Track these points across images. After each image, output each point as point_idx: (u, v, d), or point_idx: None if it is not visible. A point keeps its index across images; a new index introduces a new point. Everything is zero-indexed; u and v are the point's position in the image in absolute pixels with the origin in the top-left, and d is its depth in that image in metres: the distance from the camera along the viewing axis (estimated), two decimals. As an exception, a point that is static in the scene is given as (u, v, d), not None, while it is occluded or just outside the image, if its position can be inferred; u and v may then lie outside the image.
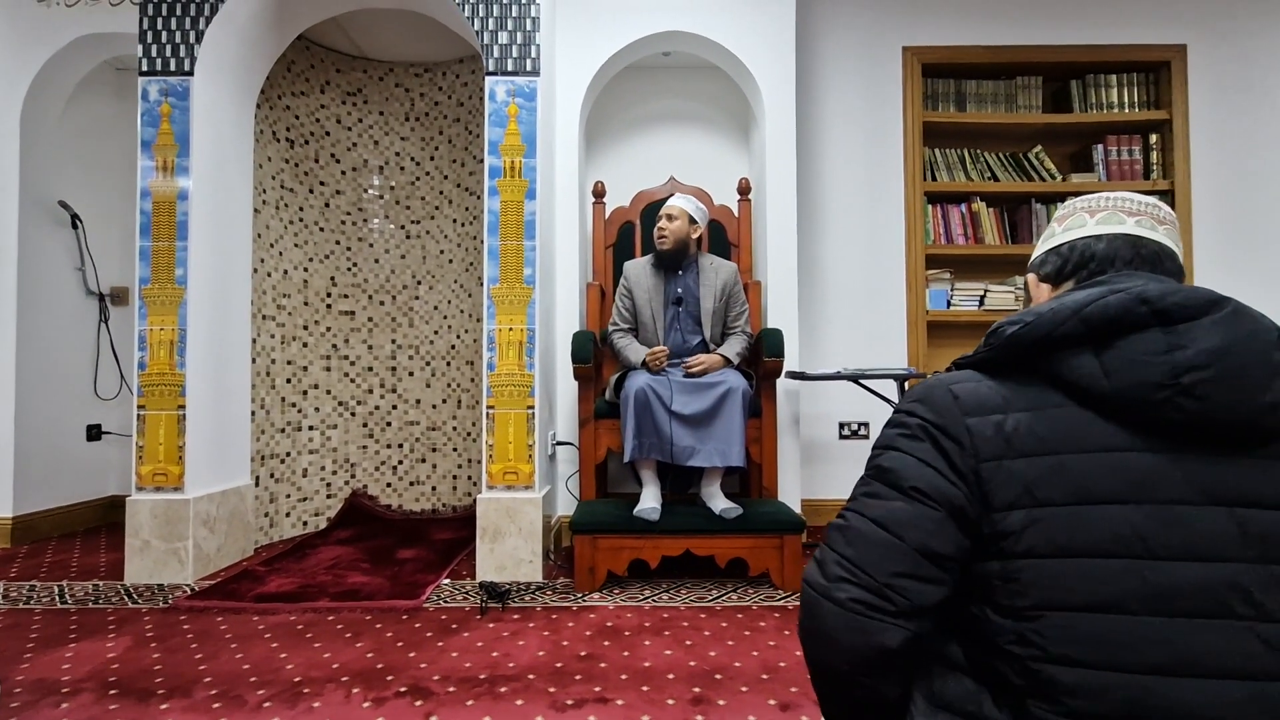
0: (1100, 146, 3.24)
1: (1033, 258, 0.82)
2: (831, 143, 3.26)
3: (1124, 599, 0.56)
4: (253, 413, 2.82)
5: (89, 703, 1.51)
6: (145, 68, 2.41)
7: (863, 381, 2.62)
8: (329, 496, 3.27)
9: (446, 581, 2.37)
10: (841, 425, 3.22)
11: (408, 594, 2.21)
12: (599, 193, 2.94)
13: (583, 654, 1.76)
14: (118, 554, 2.64)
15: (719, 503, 2.31)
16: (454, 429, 3.45)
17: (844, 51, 3.27)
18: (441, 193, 3.46)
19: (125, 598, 2.21)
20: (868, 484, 0.70)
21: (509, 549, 2.36)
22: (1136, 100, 3.26)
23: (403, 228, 3.44)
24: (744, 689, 1.56)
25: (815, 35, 3.25)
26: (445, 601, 2.17)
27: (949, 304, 3.23)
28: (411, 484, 3.43)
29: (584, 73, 2.85)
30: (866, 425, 3.21)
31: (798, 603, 2.09)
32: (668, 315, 2.49)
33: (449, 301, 3.46)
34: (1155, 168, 3.25)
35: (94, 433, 3.32)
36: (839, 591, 0.64)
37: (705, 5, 2.86)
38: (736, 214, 2.96)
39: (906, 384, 2.64)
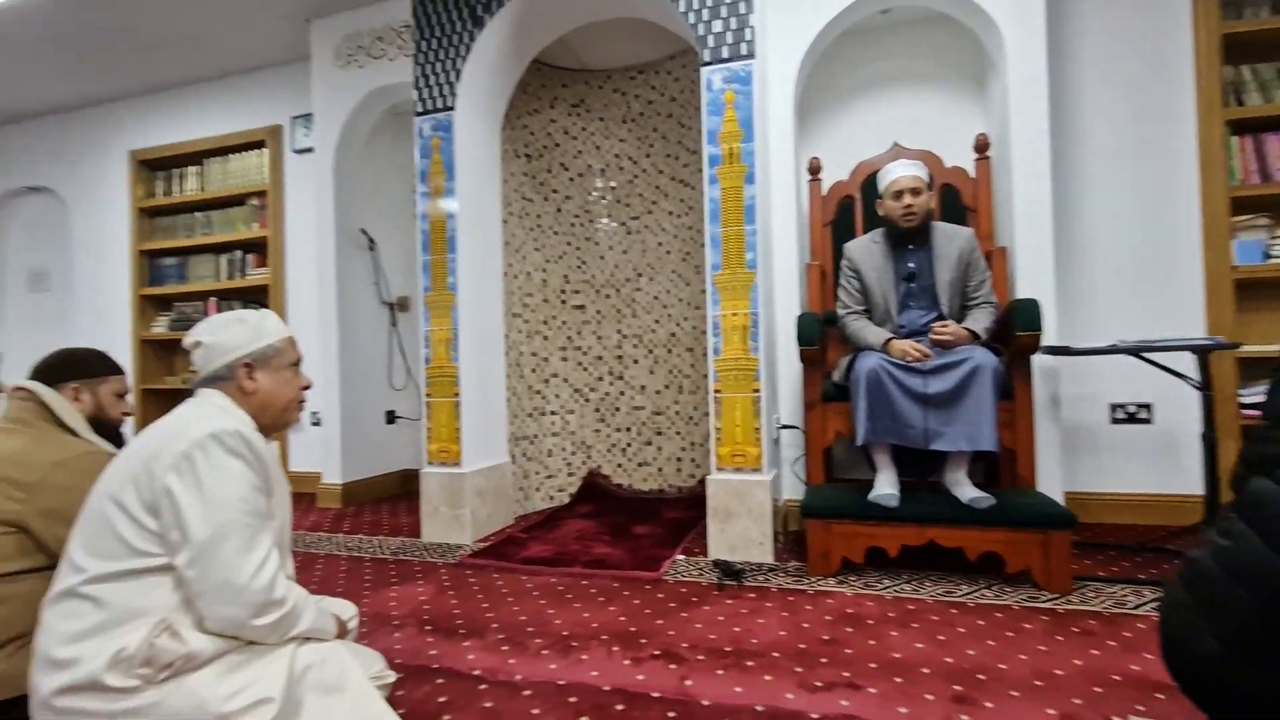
0: None
1: None
2: (1090, 78, 2.80)
3: None
4: (507, 399, 3.21)
5: (413, 634, 1.85)
6: (419, 109, 2.85)
7: (1148, 356, 2.22)
8: (569, 475, 3.62)
9: (681, 557, 2.49)
10: (1115, 407, 2.76)
11: (647, 566, 2.37)
12: (815, 169, 2.85)
13: (825, 638, 1.74)
14: (414, 517, 3.18)
15: (966, 490, 2.13)
16: (676, 413, 3.61)
17: (1107, -32, 2.77)
18: (658, 188, 3.61)
19: (424, 553, 2.67)
20: (1226, 519, 0.60)
21: (739, 530, 2.41)
22: None
23: (623, 224, 3.66)
24: (1014, 693, 1.43)
25: (1068, -44, 2.80)
26: (682, 575, 2.29)
27: (1266, 256, 2.60)
28: (640, 465, 3.66)
29: (796, 47, 2.77)
30: (1148, 408, 2.72)
31: (1067, 606, 1.86)
32: (900, 292, 2.34)
33: (668, 291, 3.61)
34: None
35: (390, 417, 4.04)
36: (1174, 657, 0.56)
37: (930, -50, 2.61)
38: (973, 174, 2.67)
39: (1214, 359, 2.19)
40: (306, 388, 1.35)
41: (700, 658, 1.66)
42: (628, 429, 3.67)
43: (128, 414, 1.78)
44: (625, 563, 2.43)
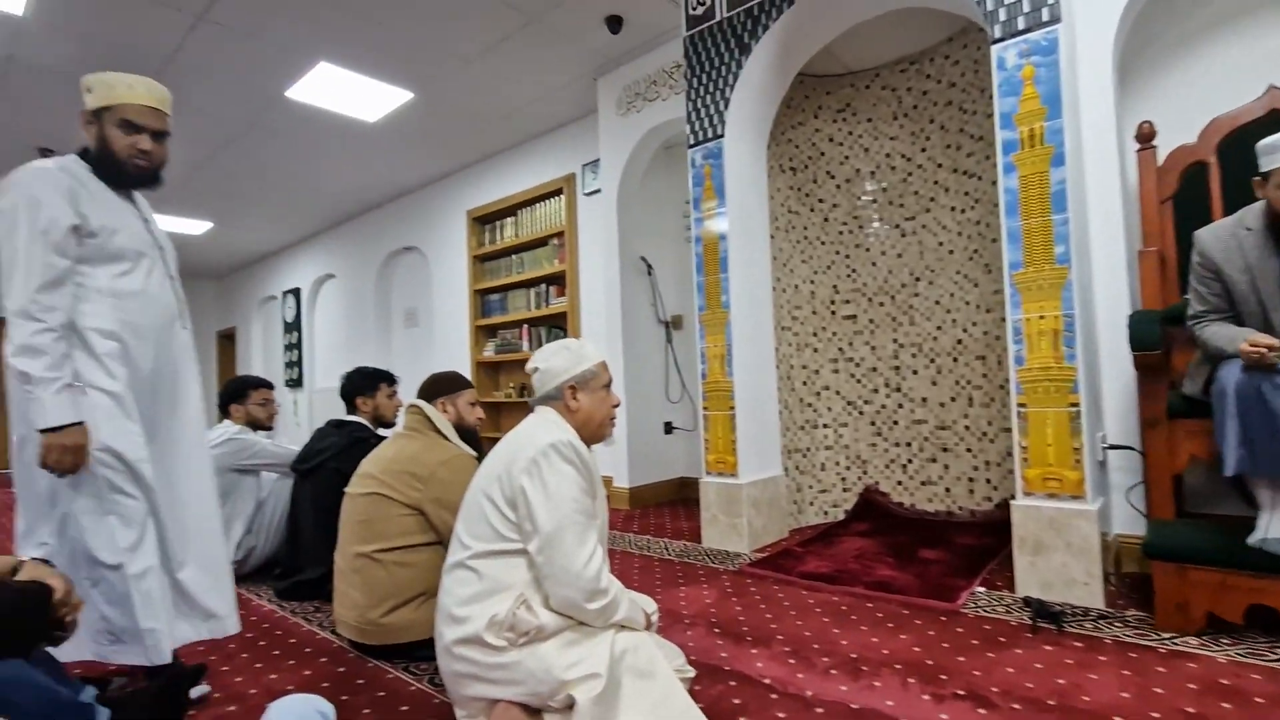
0: None
1: None
2: None
3: None
4: (779, 412, 3.24)
5: (703, 634, 1.97)
6: (691, 141, 3.06)
7: None
8: (844, 490, 3.50)
9: (980, 589, 2.25)
10: None
11: (941, 595, 2.18)
12: (1145, 136, 2.36)
13: (1190, 710, 1.42)
14: (693, 522, 3.38)
15: None
16: (966, 428, 3.27)
17: None
18: (936, 183, 3.34)
19: (706, 558, 2.82)
20: None
21: (1055, 565, 2.09)
22: None
23: (897, 226, 3.45)
24: None
25: None
26: (984, 610, 2.06)
27: None
28: (923, 484, 3.39)
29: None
30: None
31: None
32: (1287, 290, 1.80)
33: (951, 295, 3.30)
34: None
35: (668, 428, 4.35)
36: None
37: None
38: None
39: None
40: (616, 405, 1.54)
41: (1015, 706, 1.48)
42: (907, 444, 3.43)
43: (480, 419, 2.21)
44: (914, 589, 2.27)
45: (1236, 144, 2.17)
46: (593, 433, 1.50)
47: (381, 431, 2.66)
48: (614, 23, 3.45)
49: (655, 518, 3.72)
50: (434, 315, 5.91)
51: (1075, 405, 2.08)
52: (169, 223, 6.45)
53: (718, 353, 2.97)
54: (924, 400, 3.39)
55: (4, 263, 1.45)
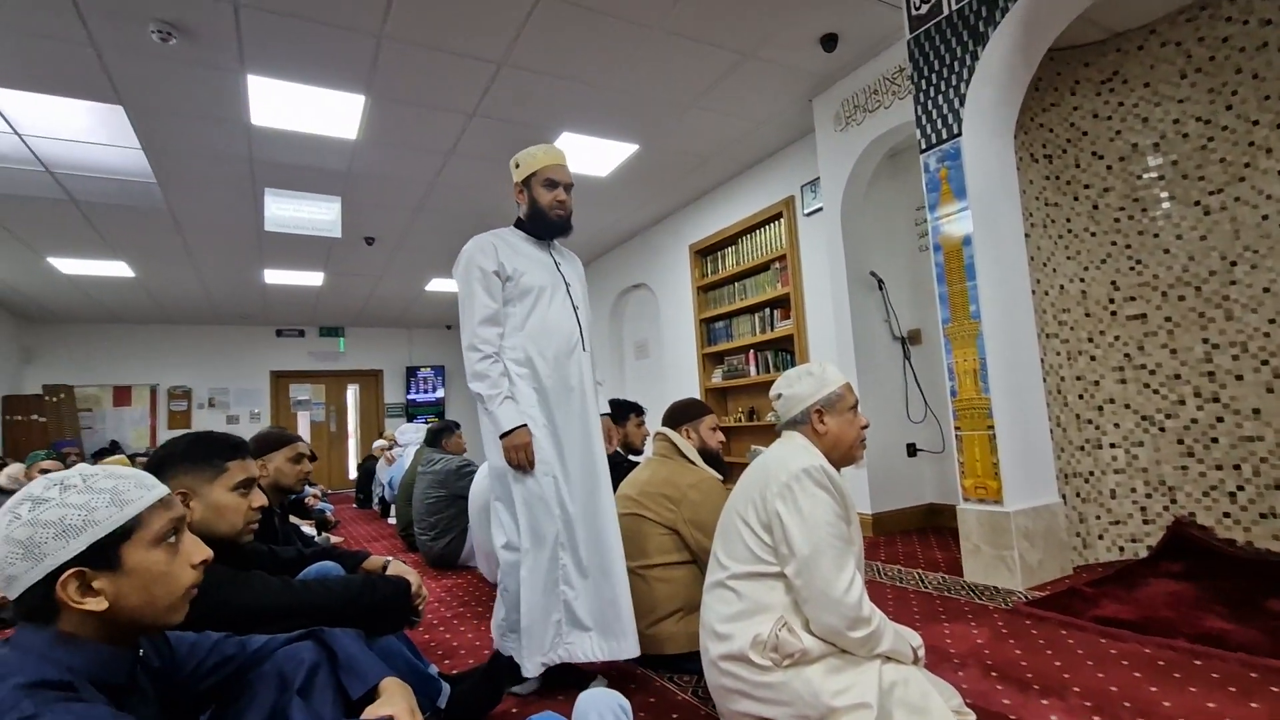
0: None
1: None
2: None
3: None
4: (1050, 431, 2.85)
5: (977, 677, 1.80)
6: (923, 145, 2.89)
7: None
8: (1145, 522, 2.94)
9: (1374, 657, 1.73)
10: None
11: (1309, 659, 1.72)
12: None
13: None
14: (949, 553, 3.09)
15: None
16: (1327, 447, 2.55)
17: None
18: (1251, 144, 2.72)
19: (970, 593, 2.56)
20: None
21: None
22: None
23: (1197, 204, 2.87)
24: None
25: None
26: (1383, 685, 1.58)
27: None
28: (1262, 516, 2.71)
29: None
30: None
31: None
32: None
33: (1289, 278, 2.64)
34: None
35: (911, 450, 4.06)
36: None
37: None
38: None
39: None
40: (865, 427, 1.51)
41: None
42: (1234, 467, 2.78)
43: (722, 443, 2.30)
44: (1263, 647, 1.82)
45: None
46: (843, 455, 1.49)
47: (631, 458, 2.89)
48: (828, 41, 3.42)
49: (904, 546, 3.47)
50: (663, 346, 6.26)
51: None
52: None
53: (969, 367, 2.72)
54: (1255, 412, 2.72)
55: (461, 313, 1.88)
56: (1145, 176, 2.98)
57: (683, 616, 1.88)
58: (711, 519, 1.62)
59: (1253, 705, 1.54)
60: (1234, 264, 2.77)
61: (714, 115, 4.16)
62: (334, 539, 4.85)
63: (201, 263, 6.43)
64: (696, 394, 5.53)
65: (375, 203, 5.16)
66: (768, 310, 4.94)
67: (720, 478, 2.10)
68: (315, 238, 5.60)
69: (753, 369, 5.04)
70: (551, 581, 1.76)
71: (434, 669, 1.61)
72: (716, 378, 5.45)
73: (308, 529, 3.91)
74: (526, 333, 1.85)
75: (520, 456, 1.74)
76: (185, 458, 1.27)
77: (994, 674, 1.81)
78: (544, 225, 1.97)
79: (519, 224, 2.01)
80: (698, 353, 5.61)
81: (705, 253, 5.64)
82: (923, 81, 2.88)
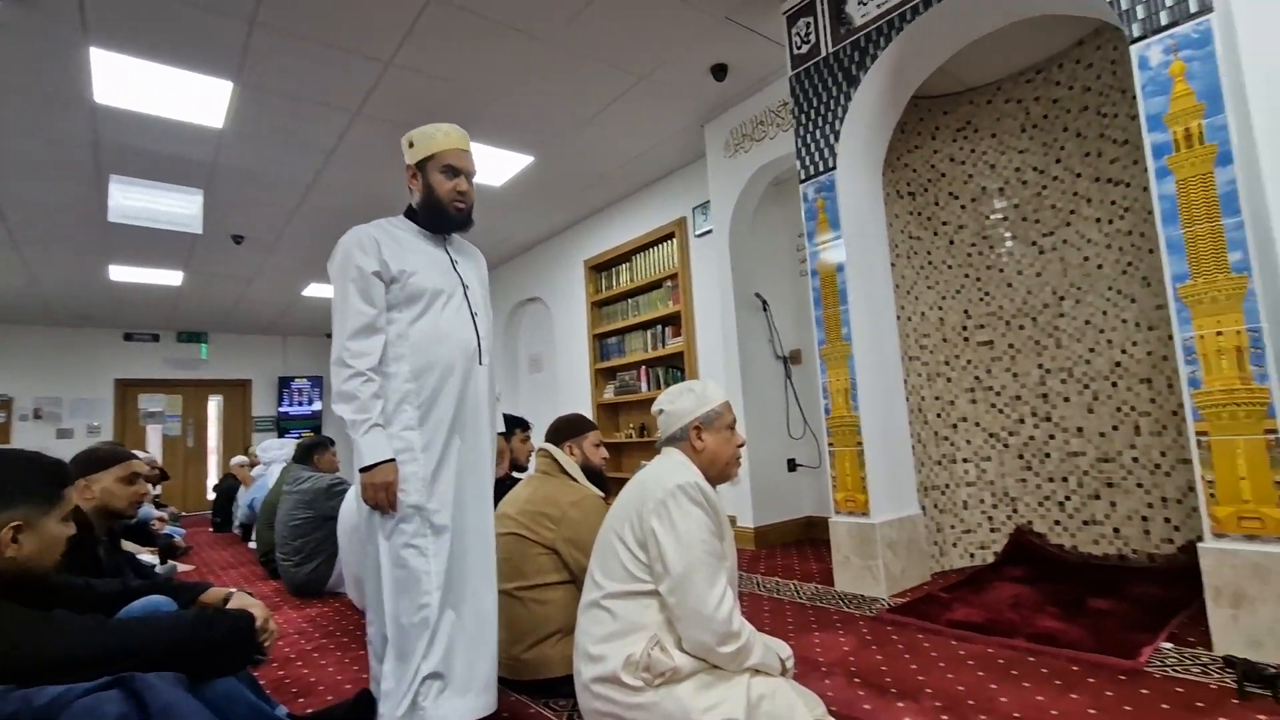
0: None
1: None
2: None
3: None
4: (912, 446, 3.06)
5: (842, 684, 1.87)
6: (802, 176, 3.05)
7: None
8: (992, 530, 3.22)
9: (1167, 645, 1.97)
10: None
11: (1120, 651, 1.94)
12: (1338, 122, 2.06)
13: None
14: (823, 564, 3.24)
15: None
16: (1134, 460, 2.92)
17: None
18: (1075, 194, 3.09)
19: (840, 602, 2.69)
20: None
21: (1263, 621, 1.79)
22: None
23: (1033, 244, 3.22)
24: None
25: None
26: (1173, 670, 1.80)
27: None
28: (1086, 523, 3.05)
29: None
30: None
31: None
32: None
33: (1104, 313, 3.00)
34: None
35: (791, 465, 4.24)
36: None
37: None
38: None
39: None
40: (741, 445, 1.54)
41: (1225, 786, 1.27)
42: (1064, 479, 3.11)
43: (605, 459, 2.28)
44: (1086, 643, 2.03)
45: None
46: (719, 472, 1.51)
47: (515, 474, 2.81)
48: (719, 71, 3.56)
49: (783, 559, 3.60)
50: (557, 360, 6.20)
51: (1273, 432, 1.81)
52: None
53: (841, 386, 2.88)
54: (1079, 430, 3.07)
55: (334, 318, 1.59)
56: (992, 217, 3.31)
57: (561, 638, 1.83)
58: (591, 538, 1.59)
59: (1073, 697, 1.70)
60: (1062, 298, 3.13)
61: (611, 133, 4.20)
62: (183, 567, 4.37)
63: (30, 255, 5.66)
64: (589, 409, 5.51)
65: (246, 199, 4.76)
66: (659, 327, 5.02)
67: (602, 495, 2.08)
68: (173, 233, 5.08)
69: (644, 385, 5.09)
70: (414, 648, 1.50)
71: (283, 710, 1.47)
72: (609, 393, 5.46)
73: (148, 557, 3.49)
74: (413, 343, 1.58)
75: (381, 497, 1.49)
76: (24, 485, 1.12)
77: (857, 680, 1.89)
78: (440, 218, 1.70)
79: (410, 214, 1.74)
80: (590, 368, 5.60)
81: (600, 268, 5.65)
82: (803, 116, 3.05)
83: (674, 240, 4.82)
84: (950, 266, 3.37)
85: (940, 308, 3.34)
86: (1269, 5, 2.09)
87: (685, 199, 4.74)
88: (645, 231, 5.09)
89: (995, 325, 3.30)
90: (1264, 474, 1.82)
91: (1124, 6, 2.09)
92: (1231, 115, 1.91)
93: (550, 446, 2.17)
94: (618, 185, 5.11)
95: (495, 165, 4.50)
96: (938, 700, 1.73)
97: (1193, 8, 1.94)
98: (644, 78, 3.58)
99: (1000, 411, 3.27)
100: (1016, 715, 1.62)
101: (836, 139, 2.90)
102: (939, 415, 3.27)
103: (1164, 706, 1.61)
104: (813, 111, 3.01)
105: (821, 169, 2.96)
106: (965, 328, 3.34)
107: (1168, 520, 2.82)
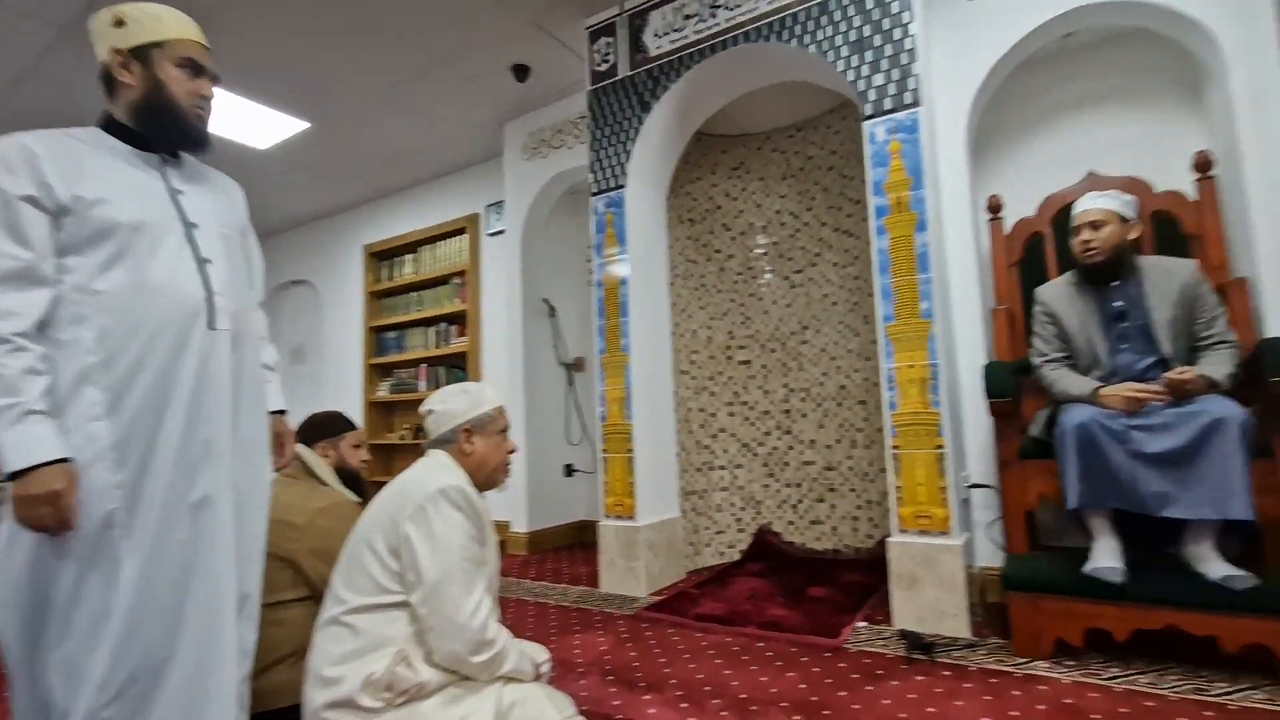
0: None
1: None
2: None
3: None
4: (677, 454, 3.30)
5: (596, 683, 1.94)
6: (594, 189, 3.14)
7: None
8: (740, 530, 3.59)
9: (862, 624, 2.36)
10: None
11: (827, 632, 2.27)
12: (995, 207, 2.68)
13: (1040, 730, 1.55)
14: (592, 567, 3.34)
15: (1216, 567, 1.80)
16: (850, 469, 3.46)
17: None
18: (820, 240, 3.60)
19: (603, 603, 2.79)
20: None
21: (928, 599, 2.23)
22: None
23: (787, 278, 3.67)
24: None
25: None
26: (865, 645, 2.16)
27: None
28: (812, 523, 3.54)
29: (968, 84, 2.67)
30: None
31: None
32: (1110, 335, 2.09)
33: (835, 343, 3.53)
34: None
35: (568, 470, 4.31)
36: None
37: (1119, -35, 2.42)
38: (1194, 197, 2.35)
39: None
40: (512, 452, 1.52)
41: (891, 737, 1.55)
42: (798, 485, 3.58)
43: (365, 461, 2.11)
44: (802, 627, 2.35)
45: (1065, 217, 2.51)
46: (486, 478, 1.47)
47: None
48: (520, 71, 3.53)
49: (554, 563, 3.64)
50: (324, 352, 5.61)
51: (941, 448, 2.26)
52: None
53: (617, 395, 3.00)
54: (812, 442, 3.56)
55: None
56: (756, 251, 3.72)
57: (295, 661, 1.63)
58: (340, 548, 1.45)
59: (789, 675, 1.95)
60: (806, 328, 3.62)
61: (403, 114, 3.93)
62: None
63: None
64: (359, 407, 5.07)
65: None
66: (444, 324, 4.80)
67: (359, 501, 1.91)
68: None
69: (423, 384, 4.82)
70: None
71: None
72: (383, 390, 5.07)
73: None
74: (103, 301, 1.14)
75: (44, 514, 1.04)
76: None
77: (610, 677, 1.97)
78: (173, 127, 1.27)
79: (109, 125, 1.26)
80: (364, 362, 5.16)
81: (382, 256, 5.25)
82: (598, 131, 3.15)
83: (465, 236, 4.65)
84: (720, 291, 3.71)
85: (709, 327, 3.66)
86: (961, 108, 2.64)
87: (480, 195, 4.61)
88: (436, 223, 4.85)
89: (753, 347, 3.70)
90: (935, 480, 2.27)
91: (860, 89, 2.50)
92: (929, 191, 2.37)
93: (299, 448, 1.94)
94: (408, 171, 4.80)
95: (260, 125, 3.95)
96: (679, 690, 1.87)
97: (907, 100, 2.39)
98: (445, 62, 3.42)
99: (752, 424, 3.67)
100: (744, 696, 1.81)
101: (628, 158, 3.04)
102: (702, 426, 3.57)
103: (854, 676, 1.92)
104: (608, 128, 3.12)
105: (612, 185, 3.07)
106: (729, 347, 3.69)
107: (871, 519, 3.39)
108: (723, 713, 1.71)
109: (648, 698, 1.82)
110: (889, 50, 2.44)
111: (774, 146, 3.71)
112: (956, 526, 2.25)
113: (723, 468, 3.61)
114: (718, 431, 3.63)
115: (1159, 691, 1.71)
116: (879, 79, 2.45)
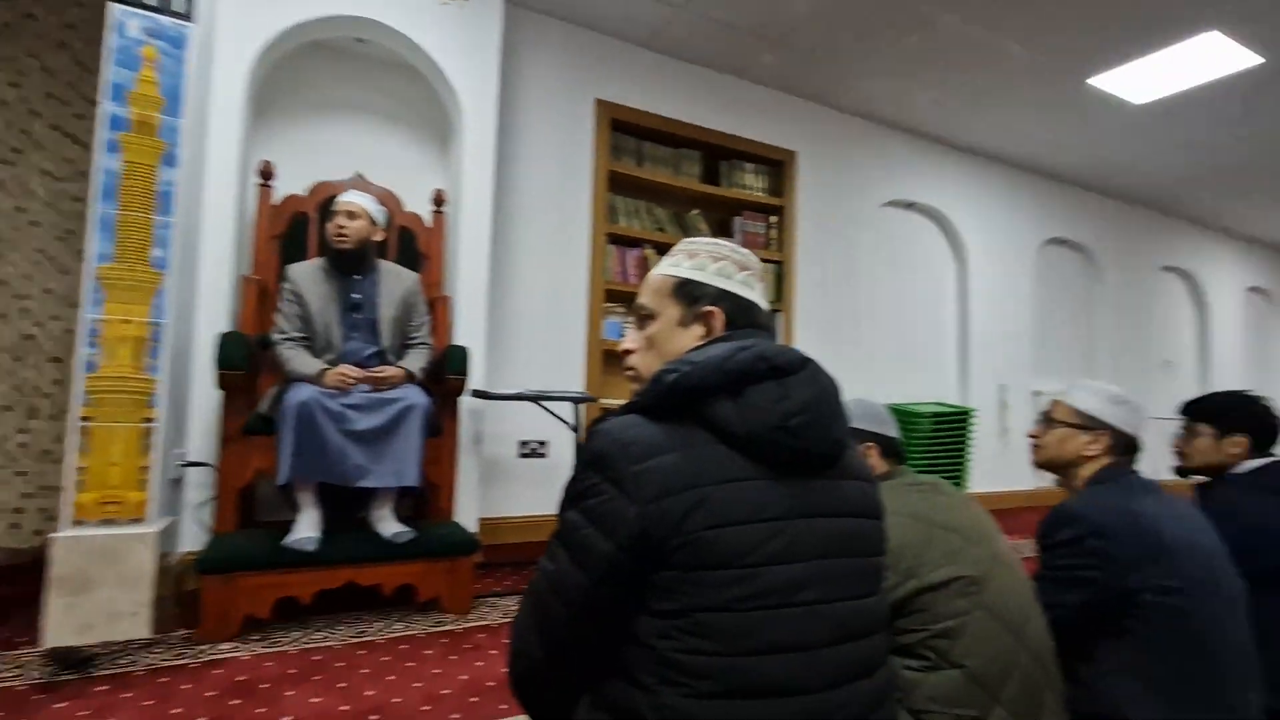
0: (739, 219, 3.98)
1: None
2: (528, 171, 3.37)
3: (735, 601, 0.68)
4: None
5: None
6: None
7: (543, 403, 2.74)
8: None
9: (-11, 655, 1.75)
10: (522, 444, 3.30)
11: (-87, 681, 1.57)
12: (266, 173, 2.55)
13: (202, 720, 1.46)
14: None
15: (389, 526, 2.17)
16: (21, 445, 2.60)
17: (544, 86, 3.41)
18: (27, 133, 2.62)
19: None
20: (551, 545, 0.76)
21: (100, 602, 1.84)
22: (764, 186, 4.11)
23: (-48, 172, 2.50)
24: (403, 726, 1.48)
25: (518, 65, 3.34)
26: (-15, 683, 1.60)
27: (621, 335, 3.59)
28: (-64, 523, 2.46)
29: (258, 34, 2.46)
30: (545, 444, 3.35)
31: (465, 625, 2.06)
32: (344, 322, 2.27)
33: (29, 277, 2.61)
34: (773, 241, 4.10)
35: None
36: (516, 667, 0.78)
37: (405, 1, 2.74)
38: (429, 224, 2.86)
39: (582, 408, 2.85)
40: None
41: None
42: (-82, 470, 2.44)
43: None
44: None
45: (330, 206, 2.61)
46: None
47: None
48: None
49: None
50: None
51: (151, 420, 1.94)
52: None
53: None
54: (-43, 411, 2.50)
55: None
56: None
57: None
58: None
59: None
60: (-22, 247, 2.53)
61: None
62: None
63: None
64: None
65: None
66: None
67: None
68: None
69: None
70: None
71: None
72: None
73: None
74: None
75: None
76: None
77: None
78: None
79: None
80: None
81: None
82: None
83: None
84: None
85: None
86: (247, 47, 2.41)
87: None
88: None
89: None
90: (135, 459, 1.92)
91: (116, -43, 1.95)
92: (189, 125, 2.04)
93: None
94: None
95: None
96: None
97: (178, 6, 2.00)
98: None
99: None
100: None
101: None
102: None
103: (-53, 734, 1.37)
104: None
105: None
106: None
107: (42, 510, 2.62)
108: None
109: None
110: (167, -62, 1.99)
111: (-37, -29, 2.50)
112: (155, 512, 1.95)
113: None
114: None
115: (329, 644, 1.90)
116: (145, -38, 1.97)
